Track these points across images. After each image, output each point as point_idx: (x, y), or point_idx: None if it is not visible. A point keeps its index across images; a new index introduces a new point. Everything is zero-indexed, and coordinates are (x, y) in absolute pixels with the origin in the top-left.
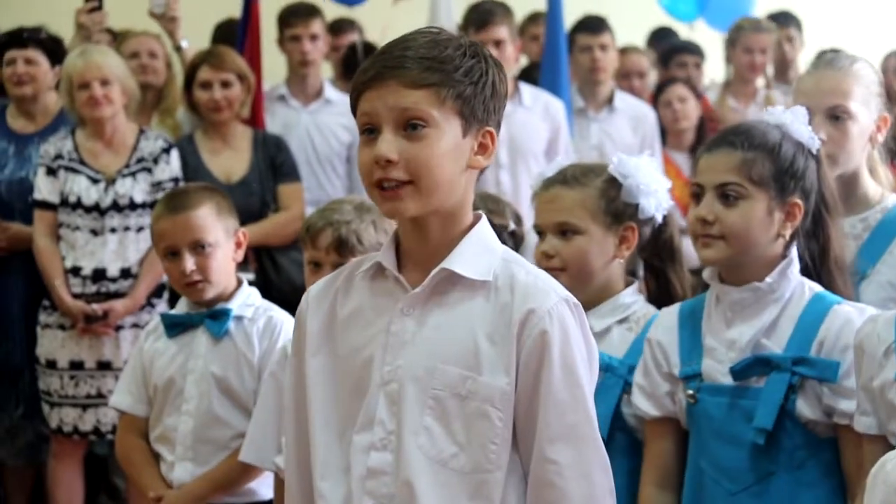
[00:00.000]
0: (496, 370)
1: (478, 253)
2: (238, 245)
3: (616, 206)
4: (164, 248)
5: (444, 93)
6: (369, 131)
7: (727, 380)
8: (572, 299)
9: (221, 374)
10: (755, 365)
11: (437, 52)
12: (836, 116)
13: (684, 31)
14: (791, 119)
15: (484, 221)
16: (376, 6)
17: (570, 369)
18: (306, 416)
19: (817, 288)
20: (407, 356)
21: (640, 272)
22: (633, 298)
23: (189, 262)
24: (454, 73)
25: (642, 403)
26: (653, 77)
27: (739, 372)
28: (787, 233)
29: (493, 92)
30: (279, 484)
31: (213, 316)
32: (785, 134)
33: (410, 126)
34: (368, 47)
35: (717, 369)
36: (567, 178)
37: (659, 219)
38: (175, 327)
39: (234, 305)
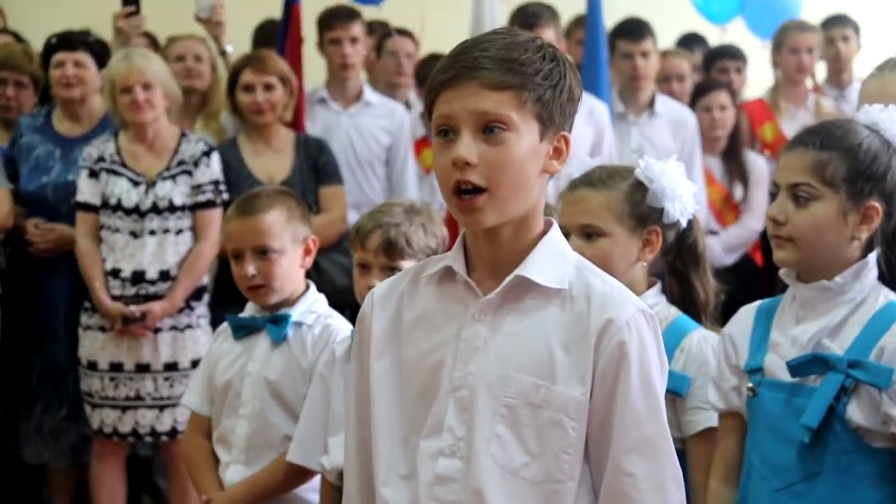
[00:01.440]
0: (571, 380)
1: (551, 260)
2: (307, 252)
3: (641, 209)
4: (230, 249)
5: (524, 96)
6: (444, 133)
7: (787, 376)
8: (648, 310)
9: (274, 379)
10: (813, 363)
11: (517, 53)
12: None
13: (715, 36)
14: (887, 118)
15: (556, 228)
16: (408, 7)
17: (647, 380)
18: (368, 420)
19: (894, 297)
20: (478, 363)
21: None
22: (654, 300)
23: (250, 267)
24: (535, 76)
25: (711, 396)
26: (691, 83)
27: (796, 368)
28: (863, 236)
29: (570, 96)
30: (325, 485)
31: (274, 321)
32: (872, 134)
33: (489, 129)
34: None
35: (778, 365)
36: (593, 180)
37: (683, 223)
38: (240, 329)
39: (295, 312)
